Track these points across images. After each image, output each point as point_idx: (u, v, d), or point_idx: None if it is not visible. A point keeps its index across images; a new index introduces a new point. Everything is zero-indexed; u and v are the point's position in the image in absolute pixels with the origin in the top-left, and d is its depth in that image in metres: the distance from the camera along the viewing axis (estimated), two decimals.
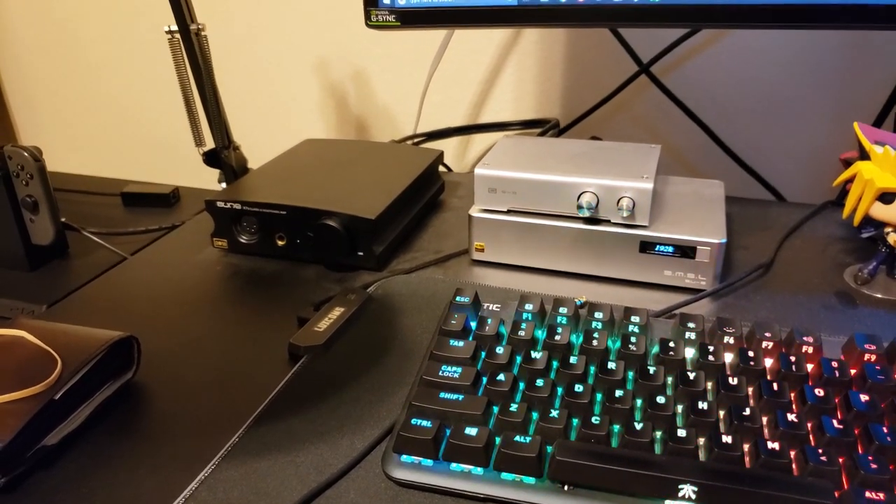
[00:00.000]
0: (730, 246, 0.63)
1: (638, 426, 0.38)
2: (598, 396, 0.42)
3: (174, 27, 0.66)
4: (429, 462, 0.39)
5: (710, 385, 0.42)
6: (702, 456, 0.38)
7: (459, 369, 0.43)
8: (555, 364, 0.44)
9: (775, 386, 0.41)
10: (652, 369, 0.42)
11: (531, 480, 0.37)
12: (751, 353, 0.43)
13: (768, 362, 0.44)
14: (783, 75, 0.81)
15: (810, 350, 0.44)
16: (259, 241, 0.64)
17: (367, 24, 0.63)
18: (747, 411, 0.39)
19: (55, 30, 1.12)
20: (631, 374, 0.43)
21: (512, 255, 0.61)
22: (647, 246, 0.56)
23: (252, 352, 0.51)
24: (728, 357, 0.45)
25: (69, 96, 1.17)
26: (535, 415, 0.40)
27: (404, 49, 0.94)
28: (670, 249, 0.56)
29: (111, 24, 1.08)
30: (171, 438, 0.43)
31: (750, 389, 0.42)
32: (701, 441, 0.39)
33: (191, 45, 0.67)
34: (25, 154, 0.66)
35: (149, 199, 0.84)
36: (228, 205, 0.63)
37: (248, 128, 1.07)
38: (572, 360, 0.43)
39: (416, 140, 0.91)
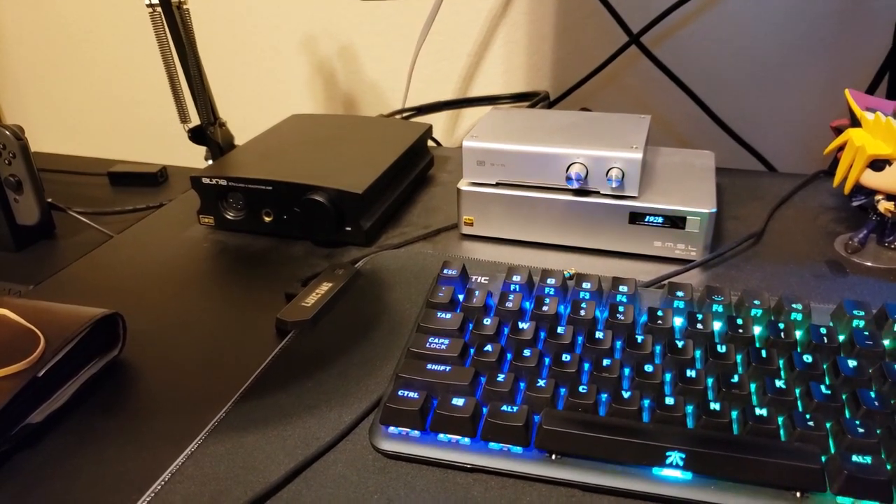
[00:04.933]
0: (720, 216, 0.63)
1: (625, 395, 0.38)
2: (586, 366, 0.41)
3: (155, 0, 0.65)
4: (416, 433, 0.39)
5: (698, 353, 0.42)
6: (689, 423, 0.38)
7: (447, 341, 0.43)
8: (542, 334, 0.44)
9: (764, 353, 0.41)
10: (640, 338, 0.42)
11: (518, 450, 0.37)
12: (739, 321, 0.43)
13: (757, 329, 0.44)
14: (774, 44, 0.80)
15: (799, 317, 0.44)
16: (246, 218, 0.63)
17: None
18: (735, 378, 0.39)
19: (38, 7, 1.10)
20: (619, 344, 0.43)
21: (501, 228, 0.60)
22: (636, 217, 0.56)
23: (239, 328, 0.51)
24: (717, 325, 0.44)
25: (54, 76, 1.15)
26: (522, 385, 0.40)
27: (392, 23, 0.93)
28: (660, 220, 0.55)
29: (97, 1, 1.06)
30: (157, 415, 0.43)
31: (739, 357, 0.42)
32: (689, 408, 0.38)
33: (172, 18, 0.66)
34: (7, 133, 0.65)
35: (136, 178, 0.83)
36: (214, 181, 0.62)
37: (236, 104, 1.06)
38: (560, 330, 0.43)
39: (404, 114, 0.90)
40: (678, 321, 0.45)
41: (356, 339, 0.49)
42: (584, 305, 0.45)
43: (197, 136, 0.74)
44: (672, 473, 0.36)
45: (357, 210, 0.59)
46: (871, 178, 0.53)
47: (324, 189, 0.59)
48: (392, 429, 0.39)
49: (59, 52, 1.12)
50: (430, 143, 0.82)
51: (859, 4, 0.75)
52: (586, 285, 0.48)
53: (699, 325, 0.43)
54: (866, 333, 0.42)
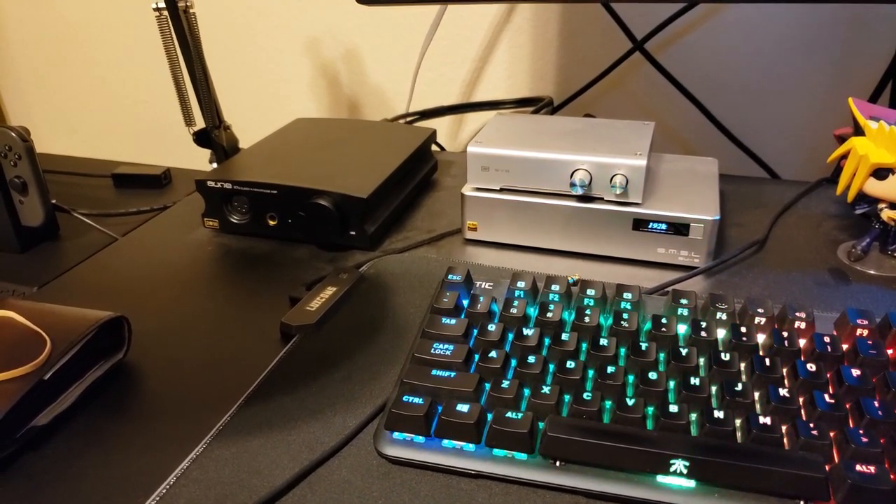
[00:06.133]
0: (724, 223, 0.63)
1: (630, 402, 0.38)
2: (590, 373, 0.42)
3: (162, 4, 0.65)
4: (421, 439, 0.39)
5: (702, 361, 0.42)
6: (693, 431, 0.38)
7: (451, 347, 0.43)
8: (546, 341, 0.44)
9: (767, 361, 0.41)
10: (644, 345, 0.42)
11: (523, 456, 0.37)
12: (743, 329, 0.43)
13: (761, 338, 0.44)
14: (778, 52, 0.80)
15: (803, 325, 0.44)
16: (250, 221, 0.64)
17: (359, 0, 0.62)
18: (739, 387, 0.39)
19: (43, 9, 1.10)
20: (623, 351, 0.43)
21: (505, 233, 0.60)
22: (640, 223, 0.56)
23: (244, 332, 0.51)
24: (720, 333, 0.44)
25: (59, 77, 1.15)
26: (526, 391, 0.40)
27: (396, 27, 0.93)
28: (663, 227, 0.55)
29: (101, 3, 1.06)
30: (162, 418, 0.43)
31: (742, 365, 0.42)
32: (693, 416, 0.39)
33: (179, 22, 0.66)
34: (13, 134, 0.65)
35: (140, 180, 0.83)
36: (219, 184, 0.62)
37: (240, 108, 1.06)
38: (564, 336, 0.43)
39: (408, 119, 0.91)
40: (682, 328, 0.45)
41: (360, 343, 0.49)
42: (588, 312, 0.45)
43: (202, 139, 0.74)
44: (676, 481, 0.36)
45: (361, 214, 0.60)
46: (874, 187, 0.53)
47: (328, 193, 0.60)
48: (396, 434, 0.39)
49: (63, 53, 1.13)
50: (434, 147, 0.82)
51: (862, 13, 0.75)
52: (590, 292, 0.48)
53: (703, 333, 0.43)
54: (870, 342, 0.42)
